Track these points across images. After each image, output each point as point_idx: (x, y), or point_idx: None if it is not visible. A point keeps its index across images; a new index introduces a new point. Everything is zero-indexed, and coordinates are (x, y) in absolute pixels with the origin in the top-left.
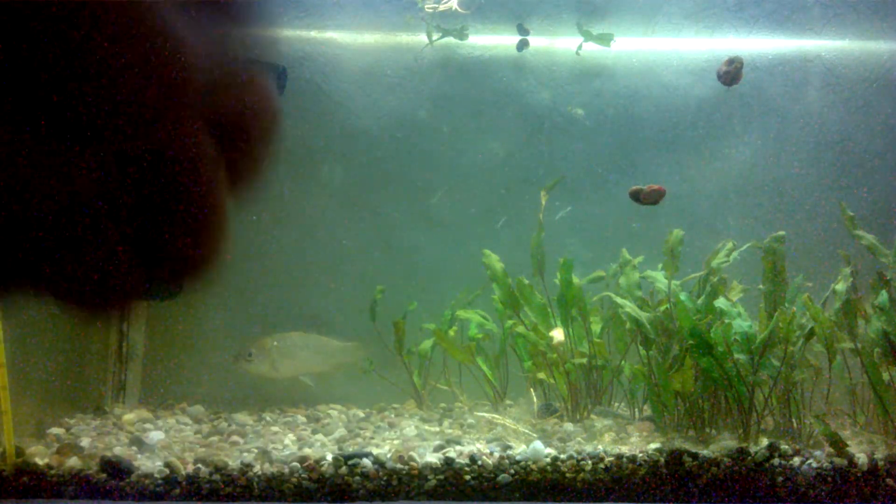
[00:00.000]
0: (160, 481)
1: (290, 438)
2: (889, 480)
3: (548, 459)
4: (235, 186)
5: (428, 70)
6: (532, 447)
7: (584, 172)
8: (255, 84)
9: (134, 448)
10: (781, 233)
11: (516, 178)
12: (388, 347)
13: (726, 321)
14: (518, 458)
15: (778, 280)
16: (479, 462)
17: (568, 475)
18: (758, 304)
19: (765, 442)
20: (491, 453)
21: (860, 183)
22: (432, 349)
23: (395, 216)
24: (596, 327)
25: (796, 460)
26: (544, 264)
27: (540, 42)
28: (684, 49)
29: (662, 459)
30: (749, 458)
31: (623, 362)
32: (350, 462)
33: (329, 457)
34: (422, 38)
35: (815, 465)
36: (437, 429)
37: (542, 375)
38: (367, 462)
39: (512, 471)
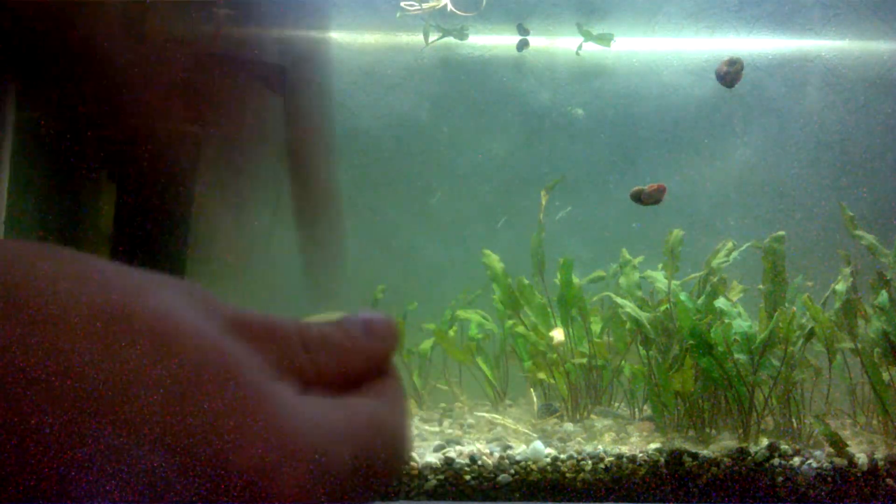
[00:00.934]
0: None
1: None
2: (889, 480)
3: (548, 459)
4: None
5: (428, 70)
6: (532, 447)
7: (584, 172)
8: None
9: None
10: (781, 233)
11: (516, 178)
12: None
13: (726, 321)
14: (518, 458)
15: (778, 280)
16: (479, 462)
17: (568, 475)
18: (758, 304)
19: (765, 442)
20: (491, 453)
21: (860, 183)
22: (432, 349)
23: (396, 216)
24: (596, 327)
25: (796, 460)
26: (544, 264)
27: (540, 42)
28: (684, 49)
29: (662, 459)
30: (749, 458)
31: (623, 362)
32: None
33: None
34: (422, 38)
35: (815, 465)
36: (437, 429)
37: (542, 375)
38: None
39: (512, 471)
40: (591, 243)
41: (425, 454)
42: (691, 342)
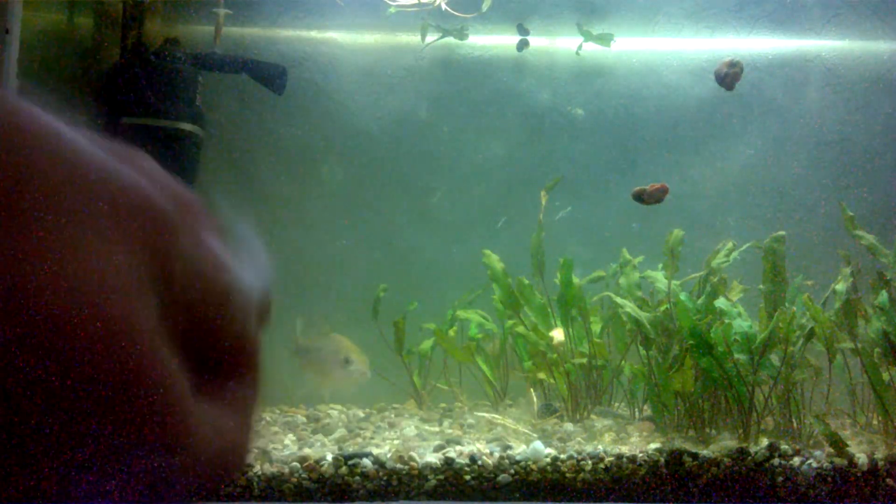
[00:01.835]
0: None
1: (290, 438)
2: (889, 480)
3: (548, 459)
4: None
5: (428, 70)
6: (532, 447)
7: (584, 172)
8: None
9: None
10: (781, 233)
11: (516, 178)
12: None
13: (726, 321)
14: (518, 458)
15: (778, 280)
16: (479, 462)
17: (568, 475)
18: (758, 304)
19: (765, 442)
20: (491, 453)
21: (860, 183)
22: (432, 349)
23: (396, 216)
24: (596, 327)
25: (796, 460)
26: (544, 264)
27: (540, 42)
28: (684, 49)
29: (662, 459)
30: (749, 458)
31: (623, 362)
32: (350, 462)
33: (329, 457)
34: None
35: (815, 465)
36: (437, 429)
37: (542, 375)
38: (367, 462)
39: (512, 471)
40: (591, 243)
41: (425, 454)
42: (691, 342)
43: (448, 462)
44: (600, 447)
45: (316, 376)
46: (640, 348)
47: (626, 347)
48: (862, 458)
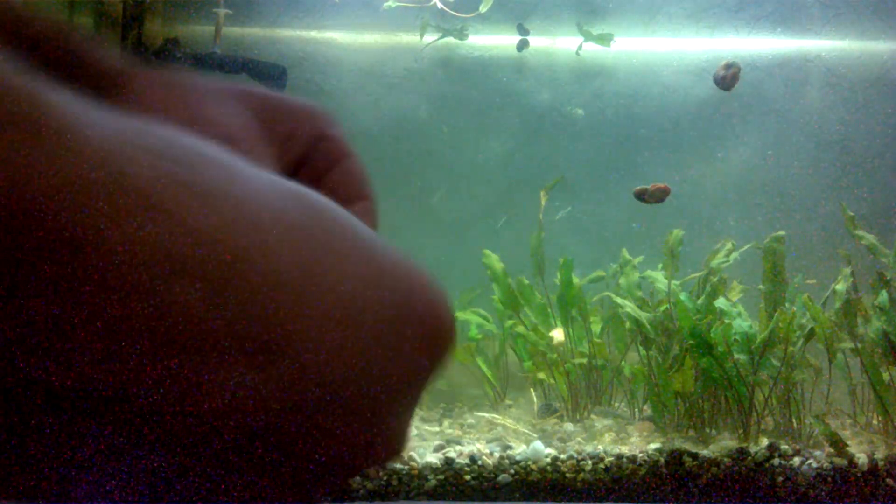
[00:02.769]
0: None
1: None
2: (889, 480)
3: (548, 459)
4: None
5: (428, 70)
6: (532, 447)
7: (584, 172)
8: None
9: None
10: (781, 233)
11: (516, 178)
12: None
13: (726, 321)
14: (518, 458)
15: (778, 280)
16: (479, 462)
17: (568, 475)
18: (758, 304)
19: (765, 442)
20: (491, 453)
21: (860, 183)
22: None
23: (396, 216)
24: (596, 327)
25: (796, 460)
26: (544, 264)
27: (540, 42)
28: (684, 49)
29: (662, 459)
30: (749, 458)
31: (623, 362)
32: None
33: None
34: (424, 37)
35: (815, 465)
36: (437, 429)
37: (542, 375)
38: None
39: (512, 471)
40: (591, 243)
41: (425, 454)
42: (691, 342)
43: (448, 462)
44: (600, 447)
45: None
46: (640, 348)
47: (626, 347)
48: (862, 458)
